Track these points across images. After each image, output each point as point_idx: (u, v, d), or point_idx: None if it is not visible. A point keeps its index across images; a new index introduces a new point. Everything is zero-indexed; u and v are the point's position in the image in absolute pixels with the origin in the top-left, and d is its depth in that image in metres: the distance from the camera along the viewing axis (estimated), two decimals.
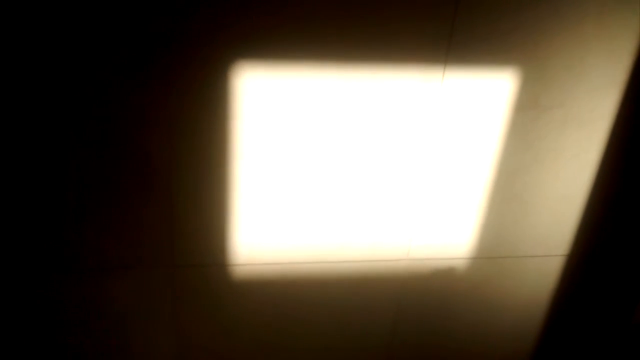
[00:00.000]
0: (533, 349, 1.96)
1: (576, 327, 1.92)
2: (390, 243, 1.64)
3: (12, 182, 1.38)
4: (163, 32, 1.27)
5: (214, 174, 1.45)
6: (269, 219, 1.54)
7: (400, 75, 1.40)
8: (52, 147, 1.35)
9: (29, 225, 1.43)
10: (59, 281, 1.52)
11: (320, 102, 1.41)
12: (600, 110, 1.54)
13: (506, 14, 1.37)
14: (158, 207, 1.47)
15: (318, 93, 1.40)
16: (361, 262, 1.65)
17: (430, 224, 1.63)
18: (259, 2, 1.27)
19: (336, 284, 1.68)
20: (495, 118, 1.50)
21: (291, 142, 1.45)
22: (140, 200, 1.45)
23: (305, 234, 1.58)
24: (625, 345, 1.80)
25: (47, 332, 1.60)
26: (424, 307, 1.78)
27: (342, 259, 1.64)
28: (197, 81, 1.33)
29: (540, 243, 1.72)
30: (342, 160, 1.49)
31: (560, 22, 1.40)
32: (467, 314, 1.82)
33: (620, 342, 1.81)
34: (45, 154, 1.36)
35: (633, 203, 1.70)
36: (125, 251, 1.51)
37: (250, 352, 1.76)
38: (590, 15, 1.40)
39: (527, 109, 1.50)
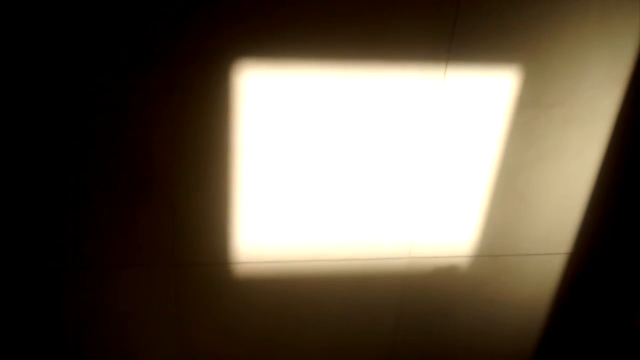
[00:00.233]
0: (535, 347, 1.96)
1: (578, 325, 1.92)
2: (392, 241, 1.64)
3: (13, 181, 1.38)
4: (164, 31, 1.27)
5: (215, 173, 1.45)
6: (271, 217, 1.54)
7: (402, 73, 1.40)
8: (52, 146, 1.35)
9: (29, 224, 1.44)
10: (60, 280, 1.53)
11: (321, 100, 1.41)
12: (602, 108, 1.54)
13: (508, 12, 1.37)
14: (159, 205, 1.47)
15: (319, 91, 1.39)
16: (363, 260, 1.65)
17: (432, 222, 1.63)
18: (260, 0, 1.27)
19: (338, 282, 1.68)
20: (497, 116, 1.50)
21: (292, 141, 1.45)
22: (141, 198, 1.45)
23: (307, 232, 1.58)
24: (626, 345, 1.80)
25: (47, 331, 1.60)
26: (426, 305, 1.78)
27: (344, 257, 1.64)
28: (198, 79, 1.33)
29: (542, 241, 1.72)
30: (344, 159, 1.49)
31: (562, 20, 1.39)
32: (469, 312, 1.82)
33: (623, 342, 1.81)
34: (46, 153, 1.36)
35: (635, 201, 1.69)
36: (126, 250, 1.51)
37: (252, 350, 1.77)
38: (592, 14, 1.40)
39: (528, 107, 1.50)
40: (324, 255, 1.63)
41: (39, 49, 1.24)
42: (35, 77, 1.27)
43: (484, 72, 1.43)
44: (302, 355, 1.80)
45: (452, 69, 1.41)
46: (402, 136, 1.49)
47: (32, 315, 1.57)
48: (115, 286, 1.56)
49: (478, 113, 1.49)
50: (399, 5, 1.32)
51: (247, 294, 1.65)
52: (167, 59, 1.30)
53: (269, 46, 1.32)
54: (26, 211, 1.42)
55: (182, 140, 1.40)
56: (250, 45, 1.31)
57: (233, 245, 1.56)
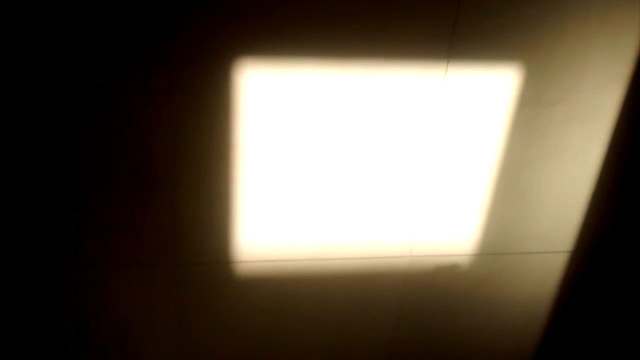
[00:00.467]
0: (536, 346, 1.95)
1: (580, 324, 1.92)
2: (393, 240, 1.64)
3: (14, 181, 1.38)
4: (164, 31, 1.27)
5: (216, 172, 1.45)
6: (272, 216, 1.54)
7: (403, 71, 1.40)
8: (53, 146, 1.35)
9: (30, 224, 1.44)
10: (60, 280, 1.53)
11: (322, 99, 1.41)
12: (603, 107, 1.53)
13: (509, 10, 1.36)
14: (160, 205, 1.47)
15: (320, 90, 1.39)
16: (364, 259, 1.65)
17: (433, 221, 1.63)
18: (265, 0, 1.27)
19: (339, 281, 1.68)
20: (498, 115, 1.50)
21: (293, 140, 1.45)
22: (142, 198, 1.45)
23: (308, 231, 1.58)
24: (629, 343, 1.80)
25: (48, 331, 1.60)
26: (427, 304, 1.78)
27: (345, 256, 1.64)
28: (198, 79, 1.33)
29: (543, 239, 1.72)
30: (345, 157, 1.49)
31: (563, 18, 1.39)
32: (470, 310, 1.82)
33: (625, 340, 1.81)
34: (47, 153, 1.36)
35: (637, 199, 1.69)
36: (127, 249, 1.52)
37: (254, 349, 1.77)
38: (594, 11, 1.39)
39: (529, 105, 1.49)
40: (325, 254, 1.63)
41: (39, 49, 1.25)
42: (35, 77, 1.27)
43: (485, 70, 1.43)
44: (303, 354, 1.81)
45: (453, 67, 1.41)
46: (403, 135, 1.49)
47: (33, 315, 1.57)
48: (116, 286, 1.57)
49: (479, 111, 1.49)
50: (399, 3, 1.32)
51: (248, 293, 1.65)
52: (168, 58, 1.30)
53: (269, 45, 1.32)
54: (27, 211, 1.42)
55: (183, 140, 1.40)
56: (250, 45, 1.31)
57: (234, 244, 1.56)
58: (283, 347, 1.78)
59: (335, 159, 1.49)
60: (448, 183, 1.58)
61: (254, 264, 1.61)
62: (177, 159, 1.42)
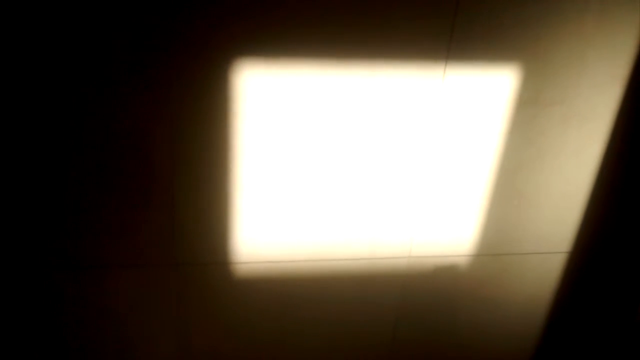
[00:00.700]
0: (535, 346, 1.95)
1: (578, 324, 1.92)
2: (392, 241, 1.64)
3: (13, 181, 1.37)
4: (163, 31, 1.27)
5: (215, 172, 1.45)
6: (271, 216, 1.54)
7: (402, 72, 1.40)
8: (53, 146, 1.35)
9: (30, 223, 1.43)
10: (60, 280, 1.52)
11: (320, 99, 1.41)
12: (601, 107, 1.54)
13: (507, 10, 1.37)
14: (159, 205, 1.46)
15: (318, 90, 1.39)
16: (363, 260, 1.65)
17: (432, 222, 1.63)
18: (258, 0, 1.27)
19: (338, 282, 1.68)
20: (497, 115, 1.50)
21: (292, 140, 1.45)
22: (141, 198, 1.45)
23: (307, 232, 1.58)
24: (627, 344, 1.80)
25: (47, 331, 1.60)
26: (426, 304, 1.78)
27: (344, 257, 1.64)
28: (197, 79, 1.33)
29: (542, 240, 1.72)
30: (343, 158, 1.49)
31: (561, 18, 1.40)
32: (469, 311, 1.82)
33: (623, 340, 1.81)
34: (46, 153, 1.35)
35: (635, 200, 1.70)
36: (126, 250, 1.51)
37: (252, 350, 1.76)
38: (591, 11, 1.40)
39: (528, 105, 1.50)
40: (324, 255, 1.62)
41: (39, 49, 1.24)
42: (33, 77, 1.27)
43: (484, 70, 1.43)
44: (302, 354, 1.80)
45: (451, 67, 1.41)
46: (401, 135, 1.49)
47: (32, 315, 1.56)
48: (115, 286, 1.56)
49: (477, 111, 1.49)
50: (398, 3, 1.32)
51: (246, 293, 1.64)
52: (166, 58, 1.30)
53: (267, 45, 1.32)
54: (26, 211, 1.42)
55: (182, 140, 1.39)
56: (249, 45, 1.31)
57: (233, 245, 1.56)
58: (282, 348, 1.77)
59: (334, 160, 1.49)
60: (447, 184, 1.58)
61: (253, 265, 1.60)
62: (176, 160, 1.42)
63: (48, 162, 1.37)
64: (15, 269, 1.49)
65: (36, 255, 1.48)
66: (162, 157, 1.41)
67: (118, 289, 1.57)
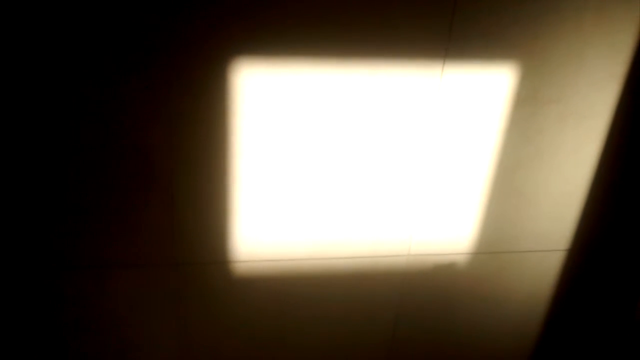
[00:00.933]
0: (534, 344, 1.96)
1: (577, 321, 1.92)
2: (391, 239, 1.64)
3: (13, 181, 1.37)
4: (162, 30, 1.27)
5: (214, 171, 1.45)
6: (270, 215, 1.54)
7: (400, 70, 1.40)
8: (52, 145, 1.35)
9: (30, 224, 1.43)
10: (59, 280, 1.52)
11: (319, 98, 1.41)
12: (599, 105, 1.54)
13: (505, 9, 1.37)
14: (158, 204, 1.47)
15: (317, 89, 1.40)
16: (362, 259, 1.65)
17: (431, 220, 1.63)
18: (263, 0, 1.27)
19: (337, 280, 1.68)
20: (495, 113, 1.50)
21: (291, 138, 1.45)
22: (141, 197, 1.45)
23: (306, 231, 1.58)
24: (626, 341, 1.80)
25: (48, 331, 1.60)
26: (425, 302, 1.78)
27: (343, 255, 1.64)
28: (196, 79, 1.33)
29: (540, 238, 1.72)
30: (342, 156, 1.49)
31: (559, 16, 1.40)
32: (468, 309, 1.82)
33: (622, 338, 1.82)
34: (46, 152, 1.35)
35: (633, 197, 1.70)
36: (125, 249, 1.51)
37: (252, 349, 1.76)
38: (590, 9, 1.40)
39: (526, 103, 1.50)
40: (324, 254, 1.63)
41: (38, 49, 1.24)
42: (33, 77, 1.27)
43: (482, 68, 1.43)
44: (302, 353, 1.80)
45: (449, 65, 1.42)
46: (400, 133, 1.49)
47: (32, 315, 1.56)
48: (114, 286, 1.56)
49: (475, 110, 1.49)
50: (396, 2, 1.32)
51: (246, 292, 1.65)
52: (165, 58, 1.30)
53: (266, 44, 1.32)
54: (26, 211, 1.42)
55: (181, 139, 1.40)
56: (248, 44, 1.31)
57: (232, 244, 1.56)
58: (281, 347, 1.78)
59: (332, 158, 1.49)
60: (445, 182, 1.58)
61: (252, 264, 1.60)
62: (176, 159, 1.42)
63: (48, 162, 1.37)
64: (16, 269, 1.49)
65: (36, 255, 1.48)
66: (162, 156, 1.41)
67: (118, 289, 1.57)
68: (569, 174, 1.63)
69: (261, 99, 1.38)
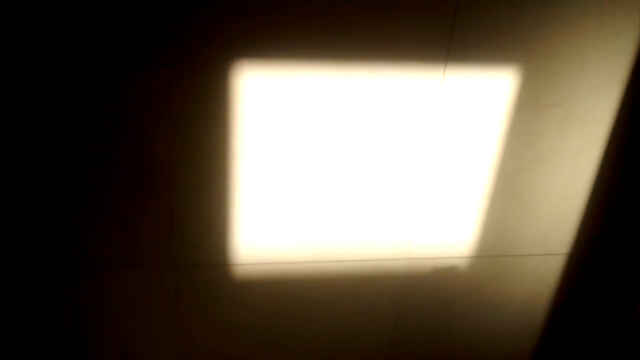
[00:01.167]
0: (534, 348, 1.96)
1: (577, 325, 1.92)
2: (391, 242, 1.64)
3: (13, 181, 1.37)
4: (163, 32, 1.27)
5: (214, 174, 1.45)
6: (270, 218, 1.54)
7: (401, 74, 1.40)
8: (53, 146, 1.35)
9: (30, 224, 1.43)
10: (60, 281, 1.52)
11: (320, 101, 1.41)
12: (600, 109, 1.54)
13: (506, 12, 1.37)
14: (159, 207, 1.46)
15: (318, 92, 1.39)
16: (362, 262, 1.65)
17: (431, 223, 1.63)
18: (258, 1, 1.27)
19: (337, 283, 1.68)
20: (496, 117, 1.50)
21: (291, 141, 1.45)
22: (141, 200, 1.45)
23: (306, 234, 1.58)
24: (626, 344, 1.80)
25: (48, 331, 1.59)
26: (425, 306, 1.78)
27: (343, 259, 1.64)
28: (197, 81, 1.33)
29: (540, 241, 1.72)
30: (343, 159, 1.49)
31: (560, 20, 1.40)
32: (468, 312, 1.82)
33: (622, 341, 1.81)
34: (47, 153, 1.35)
35: (634, 201, 1.70)
36: (126, 251, 1.51)
37: (252, 352, 1.76)
38: (591, 13, 1.40)
39: (527, 107, 1.50)
40: (323, 257, 1.62)
41: (39, 48, 1.24)
42: (35, 77, 1.27)
43: (483, 72, 1.43)
44: (301, 356, 1.80)
45: (451, 69, 1.41)
46: (401, 137, 1.49)
47: (33, 315, 1.56)
48: (115, 287, 1.56)
49: (477, 113, 1.49)
50: (397, 5, 1.32)
51: (246, 295, 1.64)
52: (167, 59, 1.30)
53: (267, 46, 1.32)
54: (27, 212, 1.41)
55: (182, 141, 1.39)
56: (249, 46, 1.31)
57: (232, 247, 1.56)
58: (281, 349, 1.77)
59: (333, 162, 1.49)
60: (446, 185, 1.58)
61: (252, 267, 1.60)
62: (176, 161, 1.42)
63: (48, 163, 1.37)
64: (16, 270, 1.48)
65: (37, 257, 1.48)
66: (163, 158, 1.41)
67: (119, 291, 1.57)
68: (570, 178, 1.63)
69: (262, 102, 1.38)
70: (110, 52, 1.27)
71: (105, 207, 1.44)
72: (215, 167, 1.44)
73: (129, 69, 1.29)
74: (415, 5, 1.32)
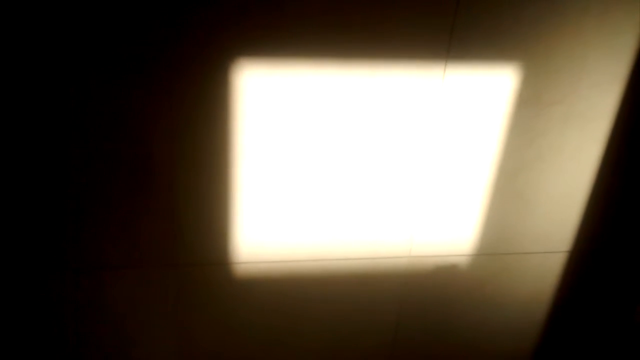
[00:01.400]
0: (535, 346, 1.96)
1: (578, 323, 1.92)
2: (392, 240, 1.64)
3: (13, 181, 1.37)
4: (163, 32, 1.26)
5: (215, 172, 1.45)
6: (271, 216, 1.54)
7: (402, 72, 1.40)
8: (53, 145, 1.35)
9: (29, 224, 1.43)
10: (59, 280, 1.52)
11: (320, 99, 1.40)
12: (601, 106, 1.54)
13: (507, 10, 1.37)
14: (159, 205, 1.46)
15: (318, 90, 1.39)
16: (363, 260, 1.65)
17: (432, 221, 1.63)
18: (257, 0, 1.27)
19: (338, 282, 1.68)
20: (497, 114, 1.50)
21: (292, 140, 1.44)
22: (142, 198, 1.45)
23: (307, 232, 1.58)
24: (627, 343, 1.80)
25: (47, 332, 1.59)
26: (427, 304, 1.78)
27: (345, 257, 1.64)
28: (197, 79, 1.33)
29: (542, 240, 1.72)
30: (344, 158, 1.49)
31: (561, 17, 1.40)
32: (470, 310, 1.82)
33: (622, 339, 1.82)
34: (47, 152, 1.35)
35: (635, 199, 1.70)
36: (126, 250, 1.51)
37: (253, 350, 1.76)
38: (592, 11, 1.40)
39: (528, 105, 1.50)
40: (324, 255, 1.62)
41: (40, 49, 1.24)
42: (35, 77, 1.27)
43: (484, 70, 1.43)
44: (302, 355, 1.80)
45: (451, 67, 1.41)
46: (401, 135, 1.49)
47: (32, 315, 1.56)
48: (114, 287, 1.56)
49: (478, 111, 1.49)
50: (397, 3, 1.32)
51: (247, 294, 1.64)
52: (167, 58, 1.29)
53: (267, 45, 1.32)
54: (26, 212, 1.41)
55: (182, 140, 1.39)
56: (249, 45, 1.31)
57: (233, 245, 1.56)
58: (282, 348, 1.77)
59: (334, 160, 1.49)
60: (447, 183, 1.58)
61: (253, 265, 1.60)
62: (177, 160, 1.41)
63: (48, 162, 1.36)
64: (16, 270, 1.48)
65: (37, 256, 1.48)
66: (163, 157, 1.40)
67: (118, 290, 1.57)
68: (571, 176, 1.63)
69: (262, 101, 1.38)
70: (111, 52, 1.27)
71: (106, 206, 1.44)
72: (216, 165, 1.44)
73: (129, 69, 1.29)
74: (415, 3, 1.32)
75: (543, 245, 1.74)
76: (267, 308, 1.68)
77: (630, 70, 1.50)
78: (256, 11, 1.28)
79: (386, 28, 1.34)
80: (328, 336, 1.78)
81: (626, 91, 1.53)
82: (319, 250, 1.61)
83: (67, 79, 1.28)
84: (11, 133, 1.32)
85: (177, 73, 1.31)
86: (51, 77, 1.27)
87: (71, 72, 1.27)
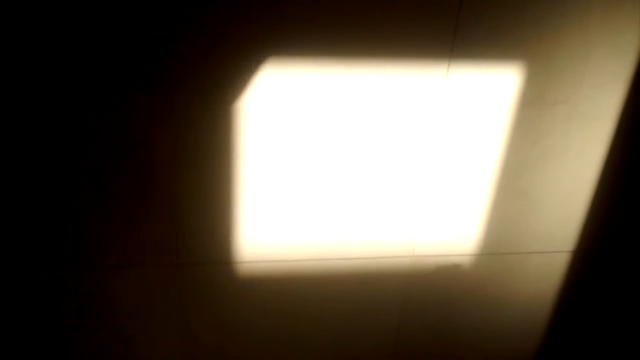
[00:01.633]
0: (538, 345, 1.95)
1: (581, 324, 1.92)
2: (395, 240, 1.64)
3: (15, 181, 1.38)
4: (169, 31, 1.27)
5: (217, 172, 1.45)
6: (273, 216, 1.54)
7: (405, 71, 1.40)
8: (54, 146, 1.35)
9: (31, 224, 1.43)
10: (62, 279, 1.52)
11: (323, 98, 1.41)
12: (605, 106, 1.53)
13: (510, 9, 1.36)
14: (162, 205, 1.47)
15: (321, 90, 1.39)
16: (366, 260, 1.65)
17: (435, 221, 1.63)
18: (262, 3, 1.27)
19: (341, 281, 1.68)
20: (500, 114, 1.50)
21: (295, 139, 1.45)
22: (144, 198, 1.45)
23: (310, 231, 1.58)
24: (630, 343, 1.80)
25: (49, 331, 1.60)
26: (429, 303, 1.78)
27: (347, 256, 1.64)
28: (200, 80, 1.33)
29: (545, 239, 1.72)
30: (347, 157, 1.49)
31: (564, 17, 1.39)
32: (472, 310, 1.82)
33: (626, 340, 1.81)
34: (49, 154, 1.36)
35: (638, 199, 1.69)
36: (129, 249, 1.51)
37: (255, 350, 1.76)
38: (595, 10, 1.40)
39: (532, 104, 1.50)
40: (327, 254, 1.62)
41: (44, 50, 1.24)
42: (37, 77, 1.27)
43: (487, 69, 1.43)
44: (305, 354, 1.80)
45: (455, 66, 1.41)
46: (405, 134, 1.48)
47: (34, 315, 1.56)
48: (117, 286, 1.56)
49: (481, 111, 1.49)
50: (401, 3, 1.32)
51: (249, 293, 1.65)
52: (170, 59, 1.30)
53: (270, 46, 1.32)
54: (28, 211, 1.42)
55: (185, 140, 1.39)
56: (251, 46, 1.31)
57: (236, 245, 1.56)
58: (285, 348, 1.78)
59: (337, 159, 1.49)
60: (450, 183, 1.58)
61: (255, 264, 1.60)
62: (179, 159, 1.42)
63: (51, 163, 1.37)
64: (18, 269, 1.49)
65: (38, 256, 1.48)
66: (166, 157, 1.41)
67: (120, 289, 1.57)
68: (575, 175, 1.63)
69: (264, 100, 1.38)
70: (115, 52, 1.27)
71: (108, 205, 1.44)
72: (219, 165, 1.44)
73: (132, 67, 1.29)
74: (419, 3, 1.32)
75: (546, 245, 1.73)
76: (269, 307, 1.68)
77: (633, 70, 1.49)
78: (257, 13, 1.28)
79: (390, 28, 1.34)
80: (330, 335, 1.78)
81: (629, 91, 1.52)
82: (321, 249, 1.61)
83: (69, 80, 1.28)
84: (13, 135, 1.32)
85: (179, 74, 1.32)
86: (52, 77, 1.28)
87: (73, 73, 1.28)
